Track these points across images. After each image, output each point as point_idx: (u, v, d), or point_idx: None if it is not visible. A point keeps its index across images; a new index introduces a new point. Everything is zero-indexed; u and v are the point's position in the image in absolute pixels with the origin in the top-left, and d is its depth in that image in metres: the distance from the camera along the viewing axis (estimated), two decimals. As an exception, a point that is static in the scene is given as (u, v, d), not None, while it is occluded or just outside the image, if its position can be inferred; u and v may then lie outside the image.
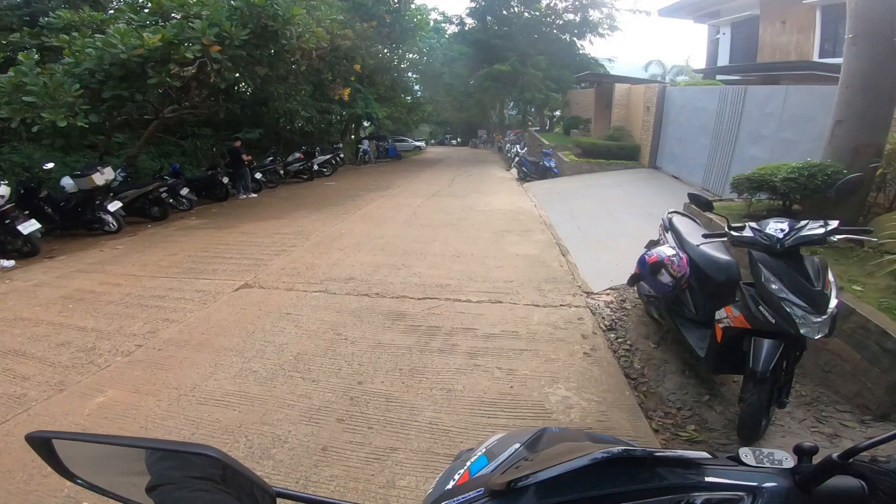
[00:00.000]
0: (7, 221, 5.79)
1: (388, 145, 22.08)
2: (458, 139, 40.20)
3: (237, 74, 9.31)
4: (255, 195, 10.59)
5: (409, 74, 21.89)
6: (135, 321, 3.92)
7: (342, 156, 16.46)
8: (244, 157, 10.35)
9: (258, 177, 11.16)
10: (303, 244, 6.16)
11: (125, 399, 2.82)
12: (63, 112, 6.30)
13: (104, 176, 6.96)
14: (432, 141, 40.96)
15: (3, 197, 5.80)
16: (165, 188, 8.42)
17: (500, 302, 4.16)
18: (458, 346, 3.38)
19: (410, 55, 19.83)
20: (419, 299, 4.25)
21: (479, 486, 0.57)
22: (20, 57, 6.43)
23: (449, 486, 0.66)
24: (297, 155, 13.32)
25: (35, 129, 6.31)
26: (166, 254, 5.97)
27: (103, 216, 7.18)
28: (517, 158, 14.58)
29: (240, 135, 11.63)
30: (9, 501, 2.08)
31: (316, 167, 13.59)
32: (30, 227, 5.94)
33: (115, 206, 7.22)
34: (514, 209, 8.59)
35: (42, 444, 0.59)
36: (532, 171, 13.38)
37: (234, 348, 3.40)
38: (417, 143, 30.01)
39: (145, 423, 2.59)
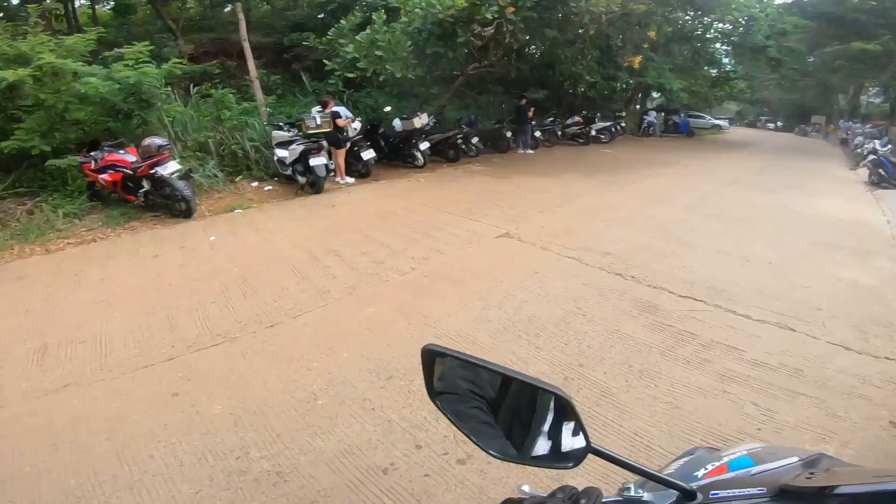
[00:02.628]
0: (355, 148, 7.67)
1: (680, 120, 19.33)
2: (779, 122, 32.15)
3: (528, 36, 9.52)
4: (532, 152, 11.04)
5: (717, 46, 18.31)
6: (416, 246, 4.60)
7: (623, 125, 15.34)
8: (529, 114, 10.79)
9: (537, 135, 11.55)
10: (567, 207, 6.02)
11: (387, 315, 3.31)
12: (400, 65, 7.77)
13: (421, 120, 8.40)
14: (738, 122, 33.99)
15: (356, 129, 7.68)
16: (461, 136, 9.66)
17: (791, 329, 3.12)
18: (710, 362, 2.71)
19: (721, 25, 16.42)
20: (680, 296, 3.56)
21: (760, 485, 0.57)
22: (373, 17, 8.12)
23: (699, 474, 0.66)
24: (577, 119, 13.12)
25: (382, 78, 7.99)
26: (451, 192, 6.83)
27: (416, 153, 8.75)
28: (871, 157, 10.49)
29: (526, 94, 12.10)
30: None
31: (594, 132, 13.12)
32: (369, 154, 7.73)
33: (424, 145, 8.69)
34: (850, 220, 6.22)
35: (428, 356, 0.70)
36: (893, 175, 9.43)
37: (481, 293, 3.57)
38: (718, 122, 25.31)
39: (390, 342, 2.96)
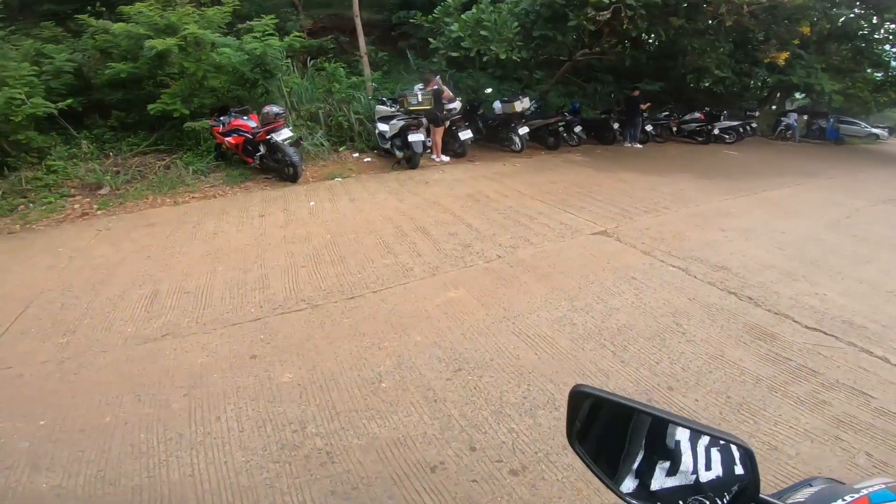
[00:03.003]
0: (453, 128, 7.57)
1: (828, 124, 16.47)
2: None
3: (648, 24, 8.57)
4: (641, 146, 10.10)
5: (886, 48, 15.12)
6: (505, 233, 4.39)
7: (754, 125, 13.45)
8: (641, 106, 9.85)
9: (648, 129, 10.53)
10: (678, 210, 5.36)
11: (466, 302, 3.16)
12: (504, 46, 7.45)
13: (523, 104, 8.04)
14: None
15: (456, 109, 7.56)
16: (563, 123, 9.13)
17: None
18: (827, 405, 2.26)
19: (894, 26, 13.54)
20: (807, 328, 2.97)
21: None
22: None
23: None
24: (697, 115, 11.70)
25: (485, 58, 7.74)
26: (548, 180, 6.46)
27: (514, 137, 8.44)
28: None
29: (640, 84, 11.06)
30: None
31: (717, 131, 11.63)
32: (466, 134, 7.60)
33: (524, 130, 8.34)
34: None
35: (577, 398, 0.66)
36: None
37: (568, 292, 3.28)
38: (875, 130, 21.27)
39: (465, 331, 2.83)
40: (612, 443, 0.67)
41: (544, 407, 2.24)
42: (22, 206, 5.86)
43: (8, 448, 2.02)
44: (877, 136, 21.12)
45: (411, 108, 6.75)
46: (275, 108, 6.30)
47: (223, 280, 3.65)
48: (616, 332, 2.84)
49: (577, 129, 9.38)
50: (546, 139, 9.07)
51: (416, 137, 6.70)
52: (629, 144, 10.00)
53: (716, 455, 0.63)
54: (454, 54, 7.93)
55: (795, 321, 3.06)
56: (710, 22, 8.86)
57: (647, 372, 2.49)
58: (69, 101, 6.37)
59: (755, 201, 6.04)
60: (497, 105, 8.43)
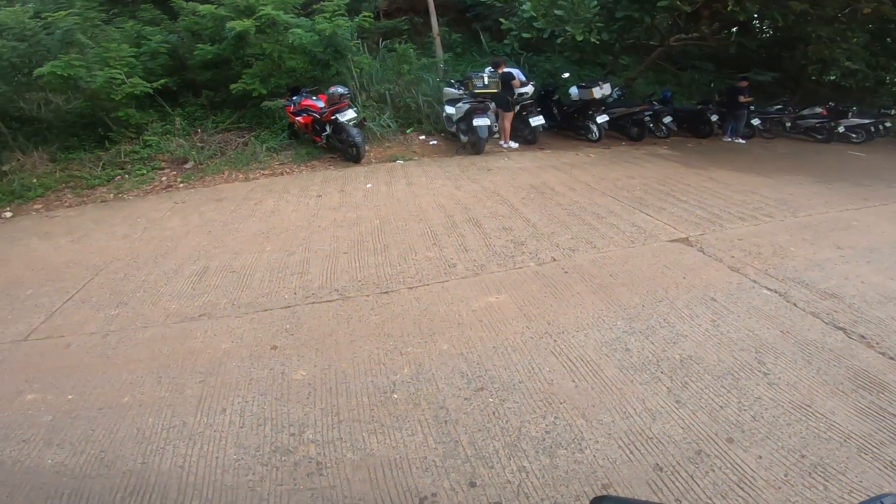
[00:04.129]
0: (524, 113, 7.08)
1: (981, 128, 13.39)
2: None
3: (760, 7, 7.27)
4: (744, 142, 8.80)
5: None
6: (566, 232, 3.94)
7: (888, 125, 11.24)
8: (743, 98, 8.52)
9: (755, 123, 9.15)
10: (783, 219, 4.49)
11: (507, 310, 2.82)
12: (581, 27, 6.75)
13: (602, 91, 7.31)
14: None
15: (528, 94, 7.05)
16: (650, 113, 8.21)
17: None
18: None
19: None
20: None
21: None
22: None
23: None
24: (819, 110, 9.96)
25: (559, 40, 7.08)
26: (625, 174, 5.80)
27: (591, 125, 7.73)
28: None
29: (748, 74, 9.62)
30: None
31: (842, 129, 9.86)
32: (537, 121, 7.07)
33: (602, 118, 7.59)
34: None
35: None
36: None
37: (628, 309, 2.81)
38: None
39: (498, 344, 2.51)
40: None
41: (567, 446, 1.88)
42: (119, 177, 6.45)
43: (31, 420, 2.10)
44: None
45: (477, 91, 6.38)
46: (340, 89, 6.28)
47: (267, 261, 3.65)
48: (678, 364, 2.36)
49: (667, 119, 8.38)
50: (629, 129, 8.21)
51: (481, 122, 6.34)
52: (729, 139, 8.75)
53: None
54: (526, 35, 7.37)
55: None
56: (845, 9, 7.40)
57: (706, 417, 2.01)
58: (164, 80, 6.88)
59: (884, 214, 4.91)
60: (573, 91, 7.74)
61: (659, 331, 2.62)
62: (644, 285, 3.10)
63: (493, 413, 2.09)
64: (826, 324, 2.73)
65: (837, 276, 3.33)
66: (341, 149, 6.50)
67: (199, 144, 7.08)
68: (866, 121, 10.27)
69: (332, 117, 6.14)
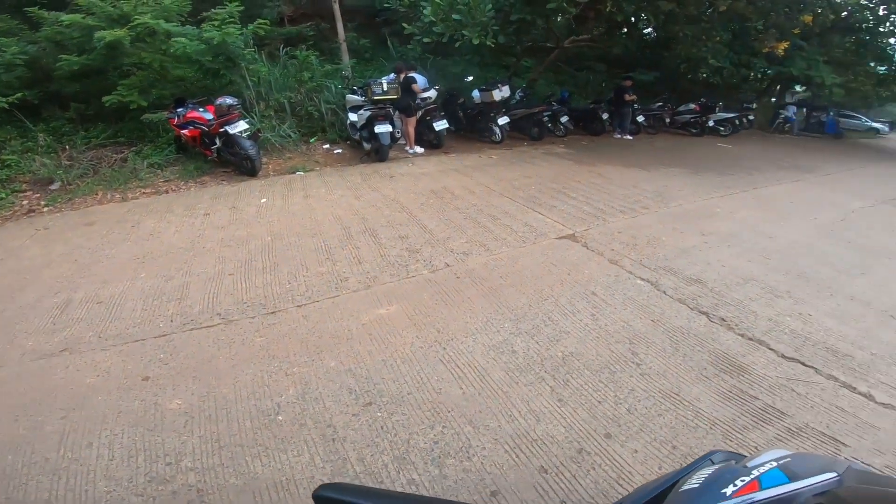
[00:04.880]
0: (427, 118, 7.16)
1: (827, 118, 15.90)
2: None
3: (635, 7, 8.08)
4: (630, 137, 9.62)
5: (891, 41, 14.59)
6: (461, 236, 4.01)
7: (751, 118, 12.94)
8: (627, 97, 9.34)
9: (639, 119, 10.05)
10: (657, 209, 4.96)
11: (397, 321, 2.82)
12: (478, 31, 7.00)
13: (501, 93, 7.60)
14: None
15: (430, 98, 7.14)
16: (549, 113, 8.69)
17: None
18: None
19: None
20: (783, 357, 2.60)
21: None
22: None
23: (727, 491, 0.60)
24: (692, 106, 11.20)
25: (457, 44, 7.29)
26: (522, 175, 6.06)
27: (493, 127, 8.01)
28: None
29: (634, 74, 10.57)
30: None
31: (712, 123, 11.15)
32: (441, 125, 7.19)
33: (503, 120, 7.89)
34: None
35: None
36: None
37: (515, 310, 2.93)
38: (875, 125, 20.62)
39: (388, 357, 2.51)
40: None
41: (455, 455, 1.91)
42: (-30, 202, 5.55)
43: None
44: (877, 131, 20.45)
45: (376, 98, 6.34)
46: (228, 100, 5.92)
47: (141, 289, 3.32)
48: (560, 361, 2.48)
49: (564, 118, 8.93)
50: (530, 130, 8.64)
51: (382, 129, 6.31)
52: (619, 136, 9.54)
53: None
54: (427, 40, 7.46)
55: (771, 349, 2.69)
56: (706, 9, 8.37)
57: (586, 414, 2.14)
58: (20, 94, 6.08)
59: (744, 200, 5.62)
60: (475, 94, 7.98)
61: (543, 330, 2.74)
62: (532, 285, 3.23)
63: (382, 427, 2.06)
64: (691, 309, 3.03)
65: (702, 262, 3.72)
66: (235, 162, 6.11)
67: (66, 163, 6.29)
68: (732, 115, 11.70)
69: (222, 129, 5.76)
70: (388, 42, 9.23)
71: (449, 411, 2.15)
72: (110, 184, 5.96)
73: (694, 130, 11.09)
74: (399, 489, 1.75)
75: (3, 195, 5.68)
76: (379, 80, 6.47)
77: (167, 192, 5.81)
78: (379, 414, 2.13)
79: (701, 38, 9.81)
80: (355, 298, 3.07)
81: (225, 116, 5.77)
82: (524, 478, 1.82)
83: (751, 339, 2.77)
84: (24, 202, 5.66)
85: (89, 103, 6.88)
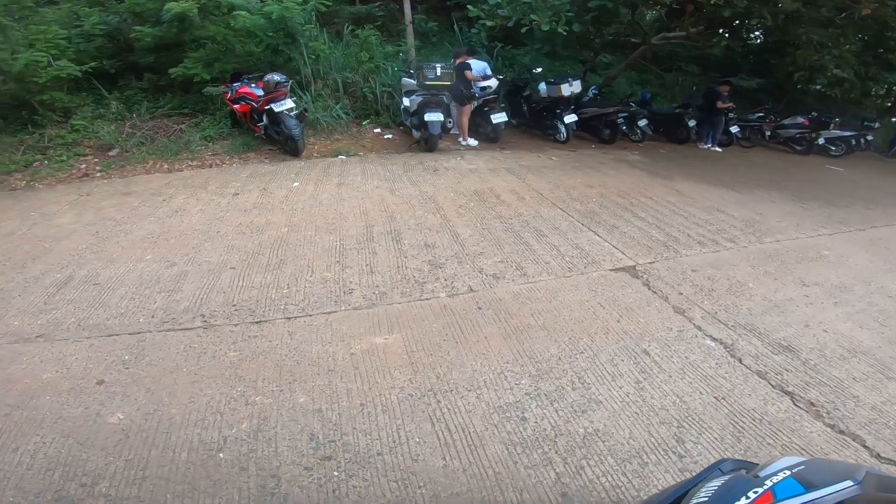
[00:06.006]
0: (485, 109, 6.54)
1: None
2: None
3: (748, 3, 6.76)
4: (720, 150, 8.33)
5: None
6: (496, 252, 3.42)
7: (870, 138, 10.89)
8: (721, 103, 8.03)
9: (733, 130, 8.71)
10: (746, 245, 4.02)
11: (392, 356, 2.32)
12: (548, 16, 6.19)
13: (571, 88, 6.80)
14: None
15: (491, 88, 6.50)
16: (625, 114, 7.71)
17: None
18: None
19: None
20: (881, 459, 1.87)
21: None
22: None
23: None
24: (800, 120, 9.51)
25: (523, 30, 6.54)
26: (584, 183, 5.30)
27: (558, 125, 7.22)
28: None
29: (733, 79, 9.17)
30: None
31: (822, 141, 9.45)
32: (499, 117, 6.54)
33: (571, 118, 7.08)
34: None
35: None
36: None
37: (539, 363, 2.32)
38: None
39: (368, 401, 2.05)
40: None
41: None
42: (37, 163, 5.81)
43: None
44: None
45: (427, 83, 5.83)
46: (276, 77, 5.70)
47: (140, 273, 3.11)
48: (580, 441, 1.87)
49: (643, 122, 7.87)
50: (601, 131, 7.72)
51: (432, 117, 5.80)
52: (705, 146, 8.30)
53: None
54: (489, 24, 6.79)
55: (866, 446, 1.92)
56: (839, 12, 6.90)
57: None
58: (93, 63, 6.28)
59: (859, 241, 4.47)
60: (542, 87, 7.21)
61: (569, 394, 2.12)
62: (568, 330, 2.59)
63: (334, 491, 1.63)
64: (773, 387, 2.26)
65: (797, 323, 2.86)
66: (279, 141, 5.94)
67: (129, 131, 6.44)
68: (848, 133, 9.87)
69: (267, 107, 5.55)
70: (455, 26, 8.63)
71: (420, 487, 1.65)
72: (162, 154, 6.00)
73: (799, 148, 9.47)
74: None
75: (65, 157, 5.89)
76: (432, 65, 5.96)
77: (211, 165, 5.74)
78: (335, 473, 1.69)
79: (827, 44, 8.22)
80: (353, 318, 2.62)
81: (271, 93, 5.56)
82: None
83: (842, 431, 1.99)
84: (83, 166, 5.83)
85: (162, 75, 7.03)
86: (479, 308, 2.74)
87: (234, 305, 2.73)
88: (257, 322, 2.58)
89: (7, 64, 5.53)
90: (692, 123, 8.26)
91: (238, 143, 6.22)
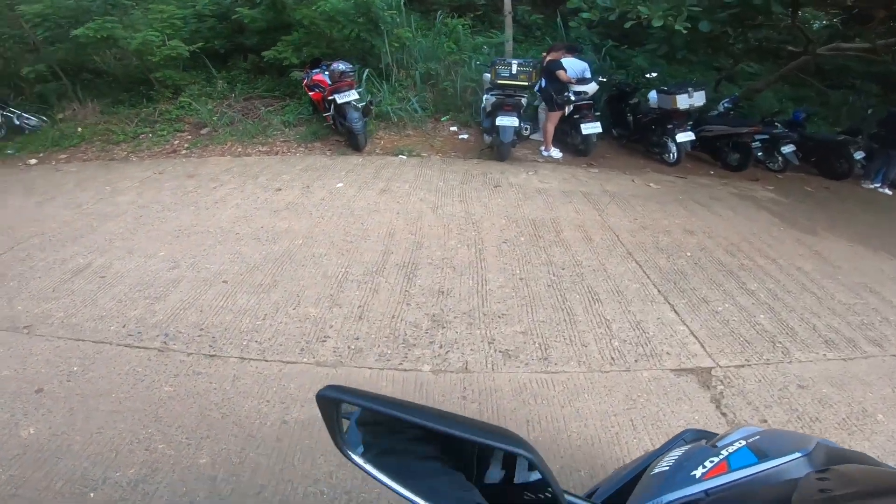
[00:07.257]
0: (576, 116, 5.58)
1: None
2: None
3: None
4: (891, 193, 6.28)
5: None
6: (522, 318, 2.66)
7: None
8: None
9: (920, 167, 6.49)
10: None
11: (327, 442, 1.77)
12: (661, 9, 4.88)
13: (690, 100, 5.47)
14: None
15: (587, 93, 5.53)
16: (764, 136, 6.07)
17: None
18: None
19: None
20: None
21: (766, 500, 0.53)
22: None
23: (696, 474, 0.60)
24: None
25: (627, 24, 5.40)
26: (683, 225, 4.13)
27: (668, 143, 5.93)
28: None
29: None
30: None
31: None
32: (591, 128, 5.54)
33: (685, 136, 5.74)
34: None
35: (329, 404, 0.54)
36: None
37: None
38: None
39: (276, 491, 1.52)
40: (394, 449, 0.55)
41: None
42: (143, 136, 6.35)
43: None
44: None
45: (500, 82, 5.08)
46: (341, 66, 5.41)
47: (143, 272, 3.03)
48: None
49: (787, 148, 6.10)
50: (727, 155, 6.23)
51: (505, 121, 5.03)
52: (873, 186, 6.27)
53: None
54: (586, 16, 5.72)
55: None
56: None
57: None
58: (201, 44, 6.67)
59: None
60: (652, 96, 5.95)
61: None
62: (568, 456, 1.83)
63: None
64: None
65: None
66: (343, 133, 5.71)
67: (223, 110, 6.75)
68: None
69: (331, 97, 5.32)
70: (558, 19, 7.61)
71: None
72: (241, 136, 6.16)
73: None
74: None
75: (165, 133, 6.33)
76: (508, 60, 5.17)
77: (277, 153, 5.74)
78: None
79: None
80: (309, 376, 2.15)
81: (336, 83, 5.32)
82: None
83: None
84: (176, 142, 6.22)
85: (263, 57, 7.29)
86: (464, 398, 2.08)
87: (202, 329, 2.45)
88: (211, 356, 2.26)
89: (125, 42, 6.04)
90: (859, 156, 6.26)
91: (309, 132, 6.16)
